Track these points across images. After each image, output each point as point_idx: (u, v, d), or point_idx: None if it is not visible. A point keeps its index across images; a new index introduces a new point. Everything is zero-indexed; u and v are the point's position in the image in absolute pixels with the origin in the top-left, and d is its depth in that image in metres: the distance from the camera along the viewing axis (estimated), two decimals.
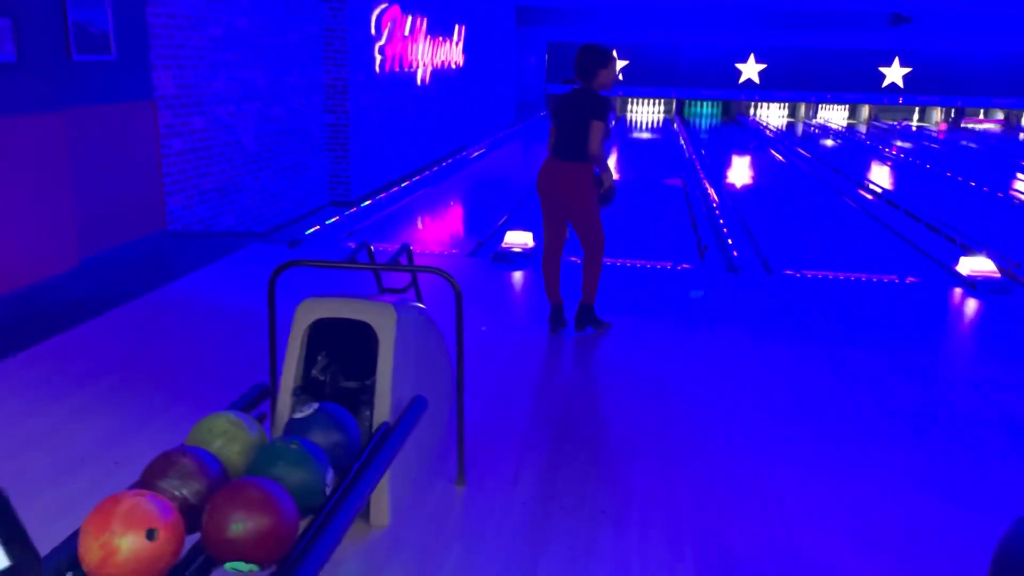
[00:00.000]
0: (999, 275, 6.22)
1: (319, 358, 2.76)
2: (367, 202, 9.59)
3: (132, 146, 6.20)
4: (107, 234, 6.00)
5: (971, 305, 5.68)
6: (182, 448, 2.00)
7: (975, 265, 6.37)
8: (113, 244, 6.07)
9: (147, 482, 1.92)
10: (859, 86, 22.98)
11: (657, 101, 24.71)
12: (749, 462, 3.27)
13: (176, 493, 1.89)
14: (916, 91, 22.84)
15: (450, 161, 13.52)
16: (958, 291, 5.98)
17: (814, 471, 3.21)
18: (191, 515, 1.89)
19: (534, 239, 6.82)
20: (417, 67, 12.40)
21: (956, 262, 6.66)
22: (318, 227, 7.77)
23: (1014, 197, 11.77)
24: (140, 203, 6.35)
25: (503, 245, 6.68)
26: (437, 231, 9.42)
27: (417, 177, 11.69)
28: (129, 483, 2.12)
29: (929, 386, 4.12)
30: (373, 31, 10.32)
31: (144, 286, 5.30)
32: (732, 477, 3.15)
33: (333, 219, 8.29)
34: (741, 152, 17.39)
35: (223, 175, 7.40)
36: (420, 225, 9.61)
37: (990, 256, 6.72)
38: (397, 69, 11.39)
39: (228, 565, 1.79)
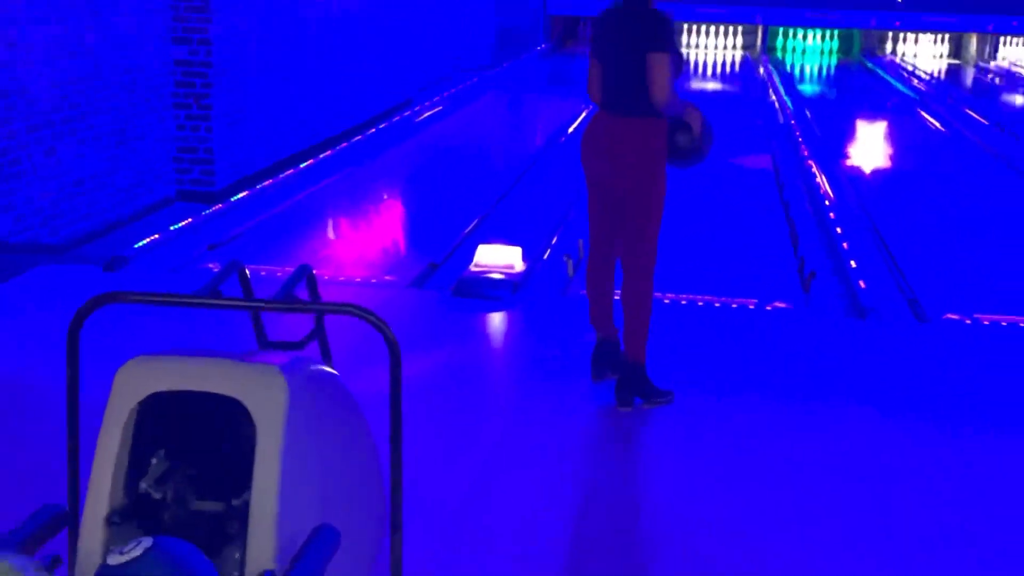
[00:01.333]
0: None
1: (154, 460, 2.74)
2: (240, 195, 9.58)
3: None
4: None
5: None
6: None
7: None
8: None
9: None
10: None
11: (733, 29, 25.02)
12: None
13: None
14: None
15: (383, 126, 13.57)
16: None
17: None
18: None
19: (524, 258, 6.84)
20: None
21: None
22: (156, 236, 7.75)
23: None
24: None
25: (472, 268, 6.70)
26: (358, 245, 9.42)
27: (326, 153, 11.71)
28: None
29: None
30: None
31: None
32: None
33: (182, 223, 8.27)
34: (871, 114, 17.58)
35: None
36: (330, 234, 9.62)
37: None
38: None
39: None
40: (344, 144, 12.32)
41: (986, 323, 6.51)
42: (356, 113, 13.64)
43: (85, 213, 8.52)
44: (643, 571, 3.67)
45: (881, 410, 5.01)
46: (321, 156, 11.54)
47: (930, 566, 3.76)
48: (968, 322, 6.56)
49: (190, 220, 8.40)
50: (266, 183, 10.15)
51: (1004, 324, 6.49)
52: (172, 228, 8.09)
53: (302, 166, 10.97)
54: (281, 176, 10.48)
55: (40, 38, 7.81)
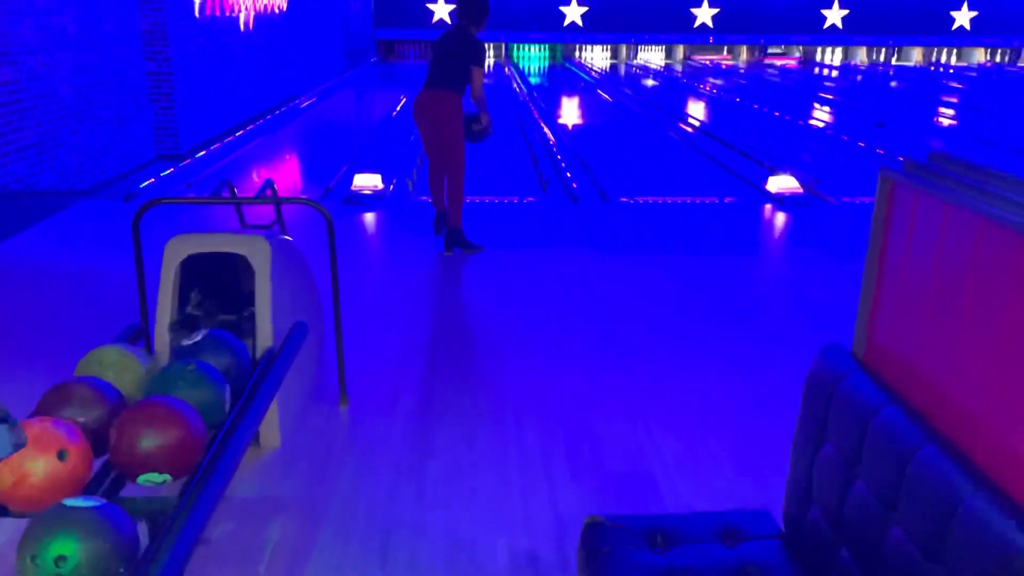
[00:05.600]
0: (802, 191, 6.99)
1: (192, 295, 2.78)
2: (201, 153, 9.17)
3: None
4: None
5: (780, 218, 6.38)
6: (76, 378, 2.01)
7: (781, 183, 7.11)
8: None
9: (45, 413, 1.93)
10: (673, 27, 24.18)
11: (488, 45, 24.81)
12: (606, 357, 3.63)
13: (78, 420, 1.92)
14: (724, 30, 24.35)
15: (282, 110, 13.08)
16: (768, 207, 6.67)
17: (659, 360, 3.62)
18: (94, 440, 1.92)
19: (383, 181, 6.87)
20: (239, 11, 11.83)
21: (765, 182, 7.40)
22: (152, 180, 7.41)
23: (812, 124, 13.01)
24: None
25: (353, 188, 6.69)
26: (281, 179, 9.18)
27: (250, 127, 11.25)
28: None
29: (749, 286, 4.67)
30: None
31: None
32: (591, 370, 3.50)
33: (168, 171, 7.91)
34: (571, 93, 17.94)
35: (39, 130, 6.85)
36: (255, 176, 9.33)
37: (794, 175, 7.51)
38: (219, 13, 10.82)
39: (141, 478, 1.86)
40: (260, 121, 11.85)
41: (641, 201, 6.95)
42: (264, 103, 13.09)
43: (102, 169, 8.03)
44: (462, 326, 3.90)
45: (589, 249, 5.34)
46: (245, 130, 11.07)
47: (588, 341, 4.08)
48: (631, 201, 6.99)
49: (172, 170, 8.03)
50: (214, 146, 9.71)
51: (649, 201, 6.95)
52: (162, 175, 7.73)
53: (236, 135, 10.53)
54: (223, 142, 10.04)
55: (64, 59, 7.25)
